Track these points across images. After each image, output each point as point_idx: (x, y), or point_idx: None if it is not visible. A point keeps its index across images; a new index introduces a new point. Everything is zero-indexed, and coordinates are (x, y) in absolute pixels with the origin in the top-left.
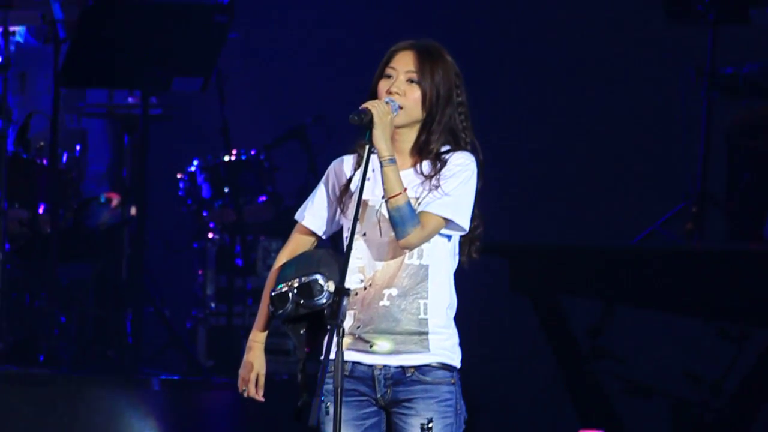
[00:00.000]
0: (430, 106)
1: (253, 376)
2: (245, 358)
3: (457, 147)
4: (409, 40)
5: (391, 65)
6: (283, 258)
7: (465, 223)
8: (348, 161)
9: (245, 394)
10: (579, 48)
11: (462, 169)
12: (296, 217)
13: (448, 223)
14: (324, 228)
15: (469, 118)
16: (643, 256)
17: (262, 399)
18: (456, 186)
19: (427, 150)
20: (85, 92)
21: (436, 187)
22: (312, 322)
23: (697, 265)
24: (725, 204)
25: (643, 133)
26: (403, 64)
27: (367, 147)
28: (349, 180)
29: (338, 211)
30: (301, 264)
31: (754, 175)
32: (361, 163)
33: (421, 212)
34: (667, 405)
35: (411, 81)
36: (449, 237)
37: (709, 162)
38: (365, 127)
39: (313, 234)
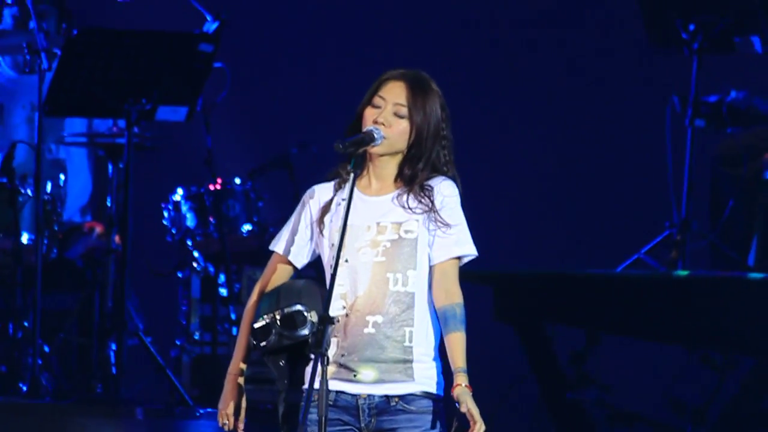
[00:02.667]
0: (418, 140)
1: (232, 410)
2: (224, 391)
3: (435, 173)
4: (399, 69)
5: (380, 94)
6: (259, 289)
7: (474, 249)
8: (325, 188)
9: (225, 428)
10: (562, 76)
11: (455, 200)
12: (272, 247)
13: (462, 258)
14: (300, 257)
15: (452, 152)
16: (627, 284)
17: None
18: (457, 217)
19: (412, 183)
20: (63, 122)
21: (444, 223)
22: (291, 353)
23: (681, 293)
24: (709, 232)
25: (627, 161)
26: (393, 95)
27: (351, 173)
28: (330, 202)
29: (315, 239)
30: (282, 295)
31: (738, 203)
32: (342, 187)
33: (440, 264)
34: None
35: (397, 114)
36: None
37: (694, 190)
38: (350, 155)
39: (289, 263)
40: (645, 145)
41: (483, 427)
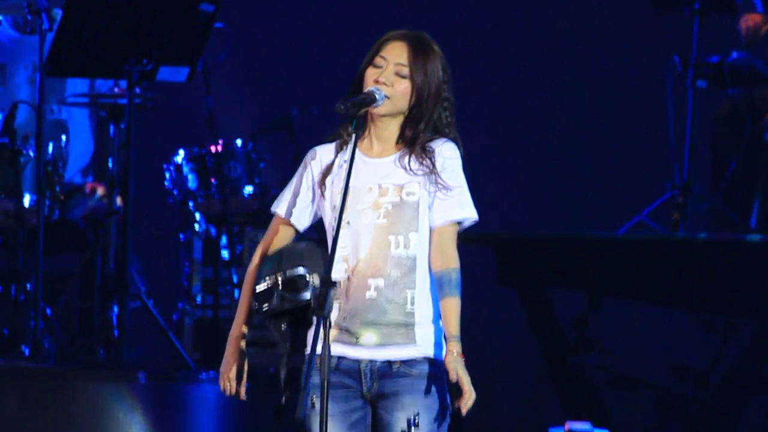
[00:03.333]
0: (419, 100)
1: (234, 374)
2: (226, 354)
3: (437, 135)
4: (400, 29)
5: (382, 54)
6: (261, 252)
7: (475, 213)
8: (327, 148)
9: (227, 392)
10: (564, 39)
11: (456, 162)
12: (273, 209)
13: (462, 222)
14: (302, 219)
15: (454, 113)
16: (628, 247)
17: (245, 397)
18: (458, 179)
19: (413, 144)
20: (65, 82)
21: (444, 186)
22: (293, 316)
23: (683, 256)
24: (711, 194)
25: (629, 123)
26: (394, 55)
27: (353, 134)
28: (331, 164)
29: (317, 201)
30: (284, 258)
31: (739, 164)
32: (344, 149)
33: (441, 227)
34: (653, 397)
35: (399, 74)
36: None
37: (695, 152)
38: (352, 116)
39: (291, 225)
40: (646, 106)
41: (473, 396)
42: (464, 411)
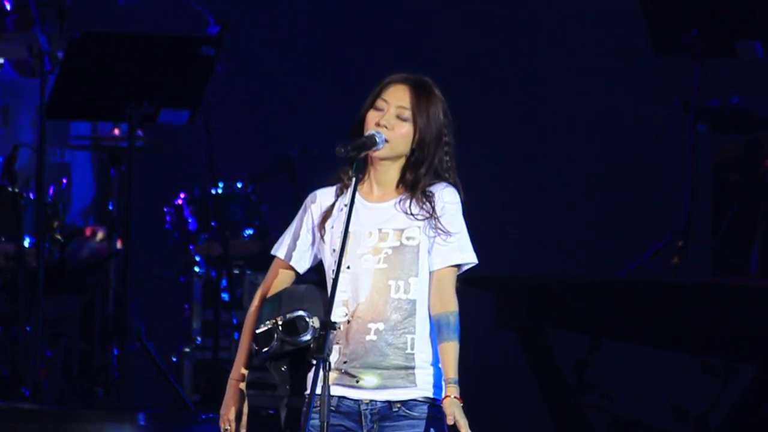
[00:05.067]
0: (421, 144)
1: (234, 415)
2: (226, 396)
3: (437, 179)
4: (402, 73)
5: (383, 97)
6: (261, 294)
7: (475, 257)
8: (326, 192)
9: None
10: (566, 80)
11: (456, 207)
12: (273, 251)
13: (462, 266)
14: (302, 262)
15: (454, 158)
16: (629, 290)
17: None
18: (458, 224)
19: (414, 189)
20: (68, 125)
21: (443, 230)
22: (293, 358)
23: (683, 299)
24: (711, 238)
25: (630, 166)
26: (396, 98)
27: (353, 177)
28: (331, 207)
29: (317, 244)
30: (284, 300)
31: (740, 208)
32: (344, 192)
33: (440, 271)
34: None
35: (400, 117)
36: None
37: (696, 195)
38: (352, 159)
39: (291, 268)
40: (647, 149)
41: None
42: None
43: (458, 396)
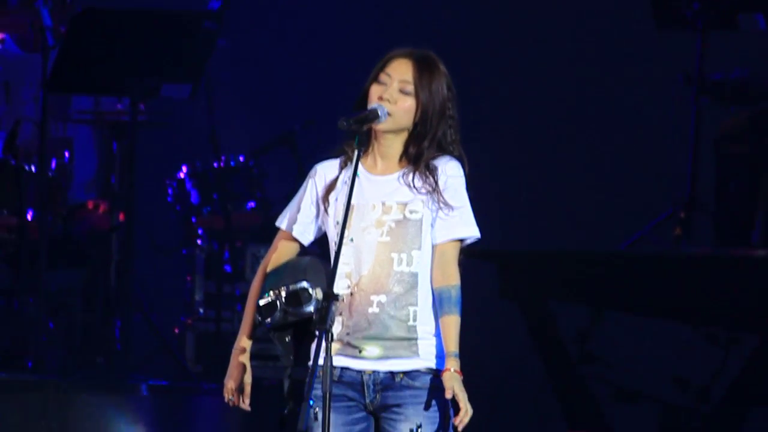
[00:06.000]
0: (423, 118)
1: (238, 385)
2: (230, 366)
3: (441, 153)
4: (406, 47)
5: (387, 71)
6: (265, 266)
7: (477, 231)
8: (331, 165)
9: (231, 404)
10: (568, 54)
11: (459, 181)
12: (277, 223)
13: (464, 240)
14: (306, 234)
15: (458, 131)
16: (631, 262)
17: (249, 408)
18: (460, 198)
19: (417, 162)
20: (70, 99)
21: (446, 204)
22: (297, 329)
23: (685, 271)
24: (713, 209)
25: (632, 139)
26: (399, 72)
27: (356, 150)
28: (335, 180)
29: (321, 216)
30: (288, 272)
31: (741, 180)
32: (348, 165)
33: (443, 245)
34: (655, 410)
35: (403, 91)
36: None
37: (698, 167)
38: (354, 132)
39: (295, 240)
40: (650, 122)
41: (470, 413)
42: (460, 428)
43: (458, 369)
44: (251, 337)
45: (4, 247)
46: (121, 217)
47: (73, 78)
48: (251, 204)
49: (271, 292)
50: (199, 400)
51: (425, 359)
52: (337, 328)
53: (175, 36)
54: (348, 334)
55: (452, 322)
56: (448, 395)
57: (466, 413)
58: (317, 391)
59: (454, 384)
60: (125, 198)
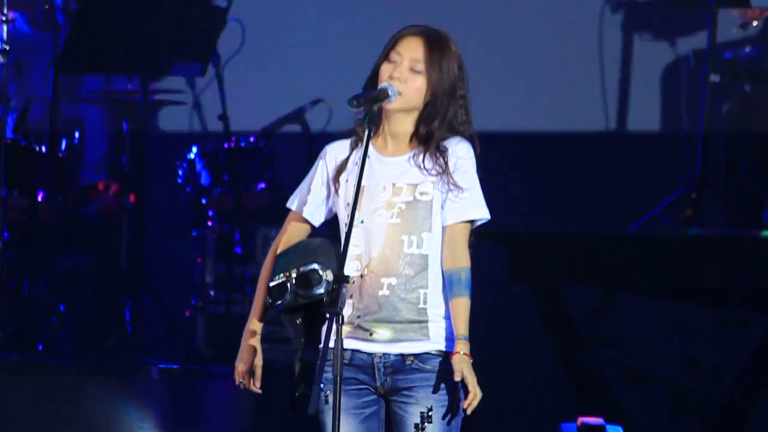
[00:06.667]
0: (434, 97)
1: (249, 368)
2: (241, 349)
3: (452, 133)
4: (417, 25)
5: (397, 50)
6: (276, 247)
7: (487, 213)
8: (342, 145)
9: (242, 386)
10: (577, 31)
11: (469, 162)
12: (288, 204)
13: (475, 221)
14: (317, 216)
15: (469, 111)
16: (642, 243)
17: (260, 390)
18: (470, 180)
19: (428, 142)
20: (81, 79)
21: (456, 186)
22: (308, 311)
23: (696, 252)
24: (724, 190)
25: (643, 118)
26: (410, 50)
27: (366, 130)
28: (346, 160)
29: (332, 197)
30: (298, 253)
31: (753, 160)
32: (359, 146)
33: (452, 226)
34: (666, 392)
35: (414, 69)
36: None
37: (709, 147)
38: (365, 112)
39: (306, 222)
40: (660, 101)
41: (479, 396)
42: (469, 411)
43: (468, 352)
44: (262, 319)
45: (15, 229)
46: (132, 198)
47: (83, 57)
48: (262, 185)
49: (282, 274)
50: (209, 383)
51: (435, 342)
52: (347, 311)
53: (185, 14)
54: (359, 316)
55: (462, 305)
56: (458, 378)
57: (474, 396)
58: (328, 374)
59: (463, 367)
60: (136, 179)
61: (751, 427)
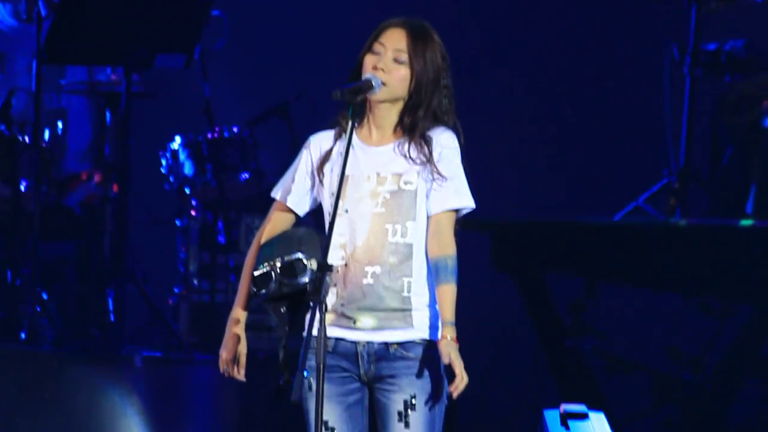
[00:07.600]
0: (418, 87)
1: (233, 356)
2: (225, 337)
3: (436, 123)
4: (400, 17)
5: (380, 41)
6: (260, 237)
7: (472, 202)
8: (326, 135)
9: (226, 374)
10: (560, 24)
11: (453, 152)
12: (273, 194)
13: (460, 210)
14: (301, 205)
15: (453, 101)
16: (625, 233)
17: (244, 379)
18: (455, 169)
19: (413, 132)
20: (65, 70)
21: (440, 175)
22: (292, 300)
23: (679, 241)
24: (708, 179)
25: (626, 109)
26: (393, 41)
27: (350, 121)
28: (330, 150)
29: (316, 187)
30: (283, 243)
31: (736, 150)
32: (343, 136)
33: (438, 215)
34: (649, 380)
35: (397, 60)
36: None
37: (692, 138)
38: (349, 103)
39: (291, 211)
40: (644, 93)
41: (465, 380)
42: (455, 395)
43: (455, 338)
44: (246, 308)
45: None
46: (115, 188)
47: (66, 48)
48: (245, 175)
49: (266, 263)
50: (193, 371)
51: (419, 330)
52: (331, 299)
53: (169, 6)
54: (342, 305)
55: (449, 291)
56: (445, 361)
57: (462, 380)
58: (311, 362)
59: (450, 351)
60: (119, 169)
61: (732, 415)
